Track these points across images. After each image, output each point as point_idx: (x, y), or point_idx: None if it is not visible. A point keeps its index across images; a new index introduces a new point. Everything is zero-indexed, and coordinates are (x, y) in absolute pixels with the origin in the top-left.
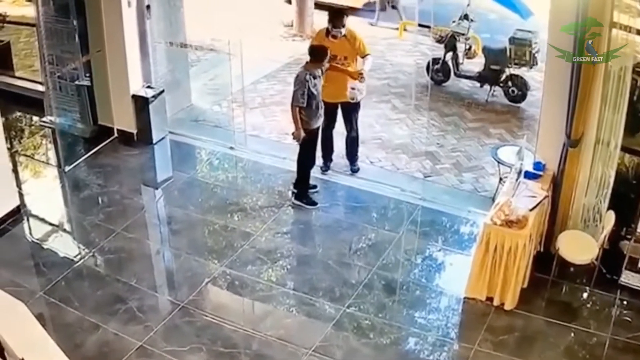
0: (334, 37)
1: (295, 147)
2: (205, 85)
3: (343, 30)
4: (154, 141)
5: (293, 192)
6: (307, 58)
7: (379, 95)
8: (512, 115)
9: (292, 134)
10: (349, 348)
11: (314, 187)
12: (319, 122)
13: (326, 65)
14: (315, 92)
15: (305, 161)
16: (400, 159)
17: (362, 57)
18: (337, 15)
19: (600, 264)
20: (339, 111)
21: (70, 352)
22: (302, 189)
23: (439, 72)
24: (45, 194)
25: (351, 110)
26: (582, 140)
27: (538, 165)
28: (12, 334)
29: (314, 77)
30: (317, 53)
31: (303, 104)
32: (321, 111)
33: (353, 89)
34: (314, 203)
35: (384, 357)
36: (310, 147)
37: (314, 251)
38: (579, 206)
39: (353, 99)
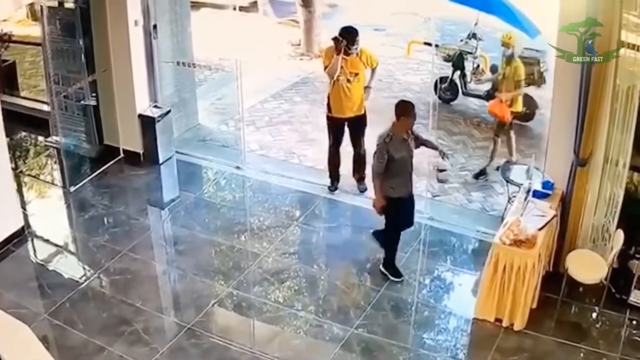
0: (347, 54)
1: (301, 169)
2: (213, 104)
3: (358, 48)
4: (161, 161)
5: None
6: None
7: (386, 114)
8: (520, 134)
9: (373, 203)
10: None
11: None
12: (403, 193)
13: (413, 123)
14: (395, 157)
15: (392, 238)
16: None
17: (372, 69)
18: (350, 33)
19: (609, 284)
20: (346, 129)
21: None
22: (391, 260)
23: (447, 90)
24: (50, 215)
25: (358, 127)
26: (590, 159)
27: (547, 184)
28: (15, 357)
29: (398, 140)
30: (402, 108)
31: (382, 170)
32: (409, 181)
33: (442, 170)
34: (400, 275)
35: None
36: (394, 219)
37: (322, 272)
38: (588, 225)
39: (443, 181)
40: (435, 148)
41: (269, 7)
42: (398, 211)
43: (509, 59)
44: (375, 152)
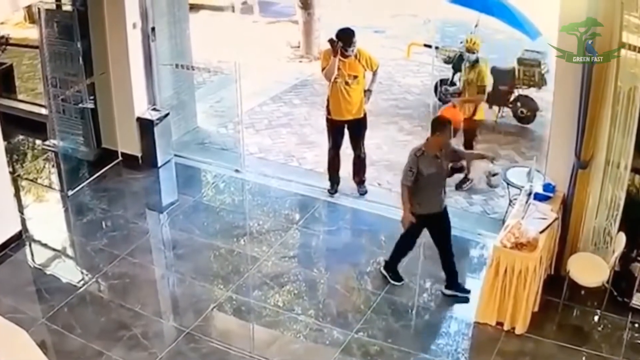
0: (344, 56)
1: (301, 171)
2: (212, 107)
3: (355, 50)
4: (159, 164)
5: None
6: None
7: (386, 117)
8: (521, 136)
9: (401, 218)
10: None
11: (467, 291)
12: (430, 210)
13: (449, 142)
14: (424, 173)
15: (403, 247)
16: None
17: (373, 72)
18: (347, 35)
19: (611, 287)
20: (346, 131)
21: None
22: (394, 262)
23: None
24: (47, 219)
25: (358, 130)
26: (592, 161)
27: (548, 187)
28: None
29: (429, 157)
30: (437, 125)
31: (409, 183)
32: (438, 199)
33: (494, 174)
34: (400, 279)
35: None
36: (414, 233)
37: (321, 275)
38: (590, 228)
39: (496, 186)
40: (481, 157)
41: (257, 8)
42: (420, 227)
43: (473, 64)
44: (404, 166)
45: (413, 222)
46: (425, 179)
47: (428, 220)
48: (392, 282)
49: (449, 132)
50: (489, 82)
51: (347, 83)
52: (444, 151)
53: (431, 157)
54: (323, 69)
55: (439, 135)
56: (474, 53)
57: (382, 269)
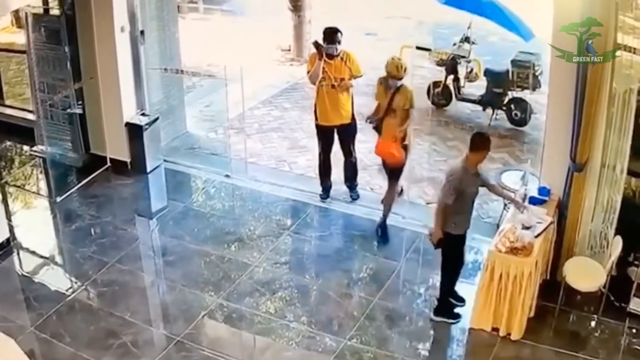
0: (329, 56)
1: (292, 176)
2: (201, 111)
3: (337, 48)
4: (148, 170)
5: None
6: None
7: None
8: (515, 139)
9: (430, 233)
10: None
11: (462, 300)
12: (462, 230)
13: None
14: (466, 191)
15: (449, 272)
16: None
17: (355, 78)
18: (330, 32)
19: (608, 292)
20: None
21: None
22: (446, 302)
23: (440, 95)
24: (35, 226)
25: (347, 136)
26: (587, 164)
27: (543, 190)
28: None
29: (470, 174)
30: (482, 141)
31: (450, 201)
32: (468, 219)
33: (528, 228)
34: (458, 316)
35: None
36: (454, 255)
37: (314, 282)
38: (586, 232)
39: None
40: (510, 199)
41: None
42: (456, 249)
43: (398, 89)
44: (444, 184)
45: (441, 238)
46: (465, 198)
47: (459, 240)
48: (451, 322)
49: (488, 150)
50: (415, 104)
51: (333, 86)
52: (478, 170)
53: (471, 175)
54: (308, 72)
55: (484, 151)
56: (400, 79)
57: (432, 316)
